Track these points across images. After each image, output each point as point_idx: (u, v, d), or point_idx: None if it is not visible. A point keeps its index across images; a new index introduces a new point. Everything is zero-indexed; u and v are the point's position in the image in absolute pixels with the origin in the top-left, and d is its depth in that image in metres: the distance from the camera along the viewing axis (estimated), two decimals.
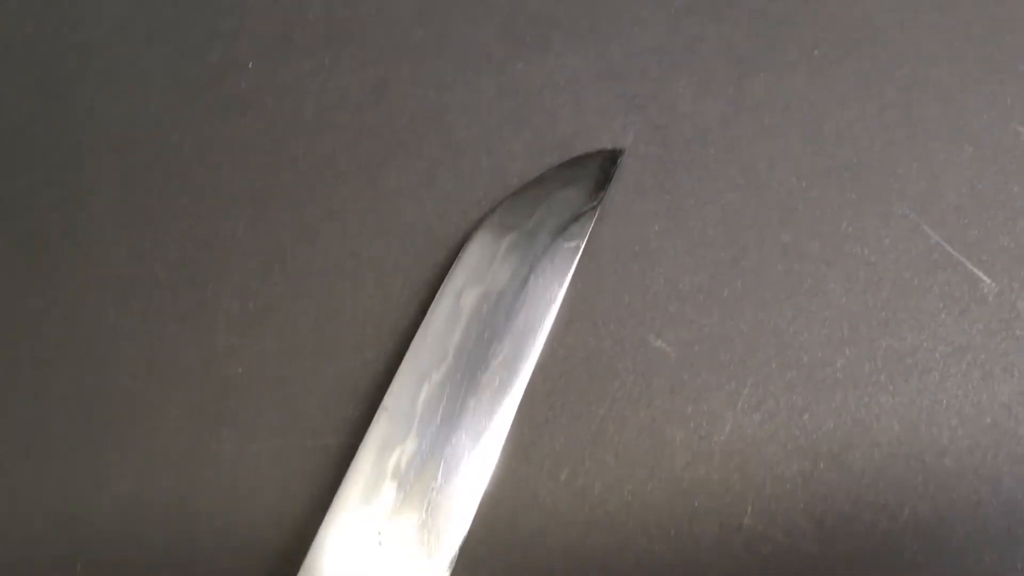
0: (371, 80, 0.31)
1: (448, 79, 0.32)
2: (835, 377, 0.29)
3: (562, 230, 0.27)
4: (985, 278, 0.30)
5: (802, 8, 0.32)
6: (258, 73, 0.31)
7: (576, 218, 0.28)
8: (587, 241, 0.29)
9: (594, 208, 0.28)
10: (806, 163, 0.31)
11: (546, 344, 0.28)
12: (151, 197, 0.30)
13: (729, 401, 0.28)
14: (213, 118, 0.31)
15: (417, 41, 0.31)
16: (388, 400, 0.25)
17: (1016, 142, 0.31)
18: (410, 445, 0.24)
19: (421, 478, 0.24)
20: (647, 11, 0.32)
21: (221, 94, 0.31)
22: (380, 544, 0.23)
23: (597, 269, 0.30)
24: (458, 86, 0.31)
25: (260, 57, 0.31)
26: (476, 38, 0.32)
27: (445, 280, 0.28)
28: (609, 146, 0.31)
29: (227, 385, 0.28)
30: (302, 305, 0.29)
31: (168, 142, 0.30)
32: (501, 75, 0.31)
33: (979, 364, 0.29)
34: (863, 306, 0.29)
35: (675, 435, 0.28)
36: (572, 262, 0.27)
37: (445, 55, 0.31)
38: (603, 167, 0.30)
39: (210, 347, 0.28)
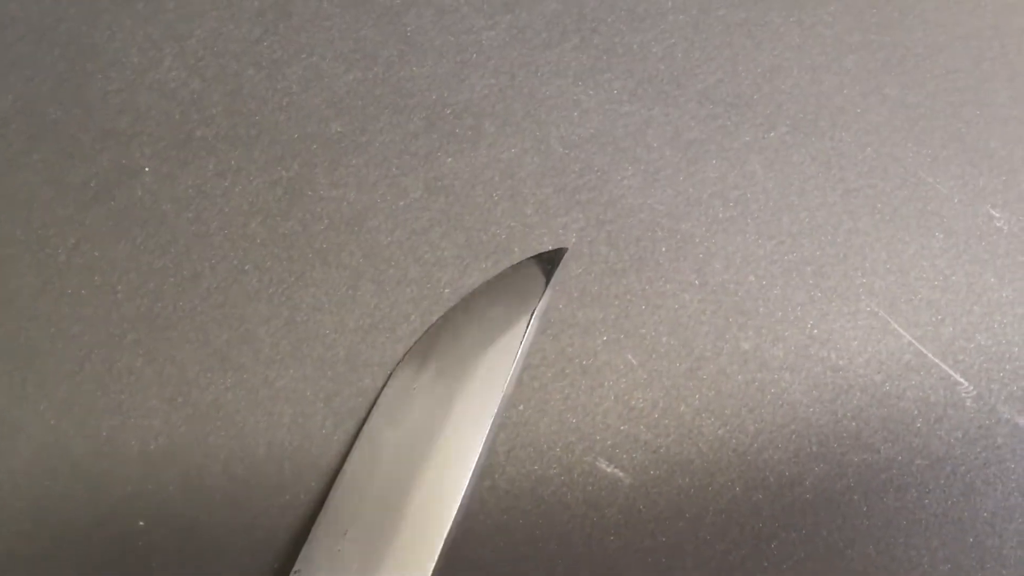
0: (283, 182, 0.32)
1: (369, 178, 0.33)
2: (804, 498, 0.31)
3: (492, 355, 0.29)
4: (962, 380, 0.32)
5: (755, 87, 0.35)
6: (155, 178, 0.32)
7: (510, 338, 0.29)
8: (528, 356, 0.30)
9: (528, 323, 0.29)
10: (765, 259, 0.33)
11: (486, 476, 0.30)
12: (33, 326, 0.31)
13: (691, 531, 0.30)
14: (105, 233, 0.32)
15: (333, 136, 0.33)
16: (301, 563, 0.26)
17: (990, 227, 0.33)
18: None
19: None
20: (586, 95, 0.34)
21: (113, 205, 0.32)
22: None
23: (540, 388, 0.31)
24: (380, 185, 0.33)
25: (157, 160, 0.33)
26: (399, 130, 0.33)
27: (365, 421, 0.29)
28: (550, 247, 0.32)
29: (126, 540, 0.29)
30: (210, 444, 0.30)
31: (53, 261, 0.31)
32: (428, 171, 0.33)
33: (959, 477, 0.31)
34: (832, 417, 0.31)
35: (633, 572, 0.29)
36: (500, 392, 0.28)
37: (365, 151, 0.33)
38: (543, 271, 0.31)
39: (106, 498, 0.29)
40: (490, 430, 0.29)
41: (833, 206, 0.34)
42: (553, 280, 0.32)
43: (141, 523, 0.30)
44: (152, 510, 0.30)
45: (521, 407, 0.32)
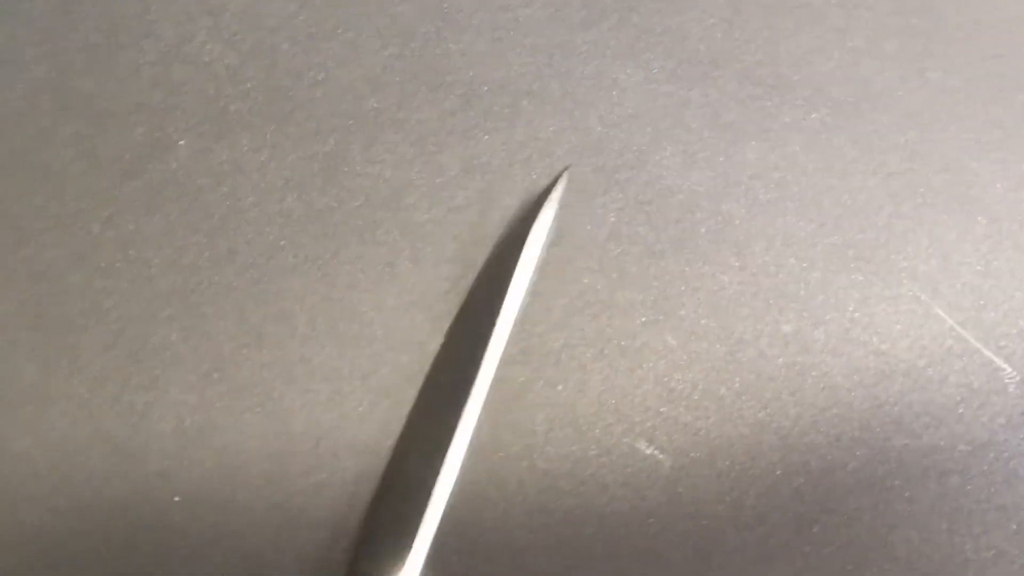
0: (319, 158, 0.32)
1: (406, 155, 0.33)
2: (846, 483, 0.30)
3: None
4: (1005, 366, 0.32)
5: (795, 69, 0.34)
6: (190, 153, 0.32)
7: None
8: (566, 337, 0.30)
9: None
10: (805, 242, 0.33)
11: (525, 455, 0.29)
12: (67, 301, 0.30)
13: (731, 514, 0.30)
14: (139, 206, 0.31)
15: (370, 112, 0.33)
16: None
17: None
18: None
19: None
20: (625, 74, 0.34)
21: (147, 178, 0.32)
22: None
23: (579, 368, 0.31)
24: (417, 162, 0.33)
25: (192, 134, 0.32)
26: (436, 107, 0.33)
27: None
28: (589, 227, 0.32)
29: (161, 516, 0.29)
30: (245, 421, 0.30)
31: (87, 236, 0.31)
32: (466, 149, 0.33)
33: (1002, 463, 0.31)
34: (874, 401, 0.31)
35: (672, 555, 0.29)
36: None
37: (402, 128, 0.33)
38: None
39: (141, 474, 0.29)
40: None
41: (874, 190, 0.34)
42: (581, 244, 0.32)
43: (176, 499, 0.30)
44: (187, 486, 0.30)
45: (560, 387, 0.31)
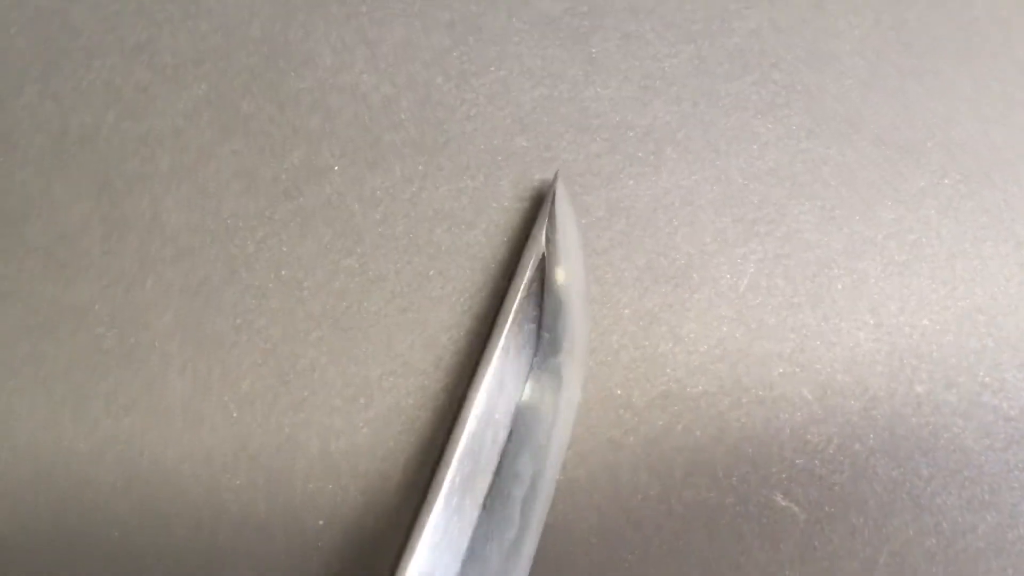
0: (468, 192, 0.33)
1: None
2: (976, 546, 0.31)
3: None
4: None
5: (928, 134, 0.36)
6: (344, 178, 0.33)
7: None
8: (704, 384, 0.31)
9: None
10: (938, 304, 0.34)
11: (663, 498, 0.30)
12: (219, 318, 0.31)
13: (864, 572, 0.30)
14: (293, 228, 0.32)
15: (519, 150, 0.34)
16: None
17: None
18: None
19: None
20: (765, 128, 0.35)
21: (302, 201, 0.33)
22: None
23: (717, 416, 0.32)
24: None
25: (346, 160, 0.33)
26: (583, 150, 0.34)
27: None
28: (728, 276, 0.33)
29: (304, 538, 0.29)
30: (390, 448, 0.31)
31: (242, 254, 0.32)
32: (611, 192, 0.34)
33: None
34: (1004, 466, 0.32)
35: None
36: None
37: (549, 167, 0.34)
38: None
39: (286, 496, 0.29)
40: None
41: (1006, 257, 0.35)
42: (721, 293, 0.33)
43: (321, 522, 0.30)
44: (331, 510, 0.30)
45: (698, 433, 0.32)
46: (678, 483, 0.32)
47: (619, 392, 0.33)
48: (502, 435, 0.28)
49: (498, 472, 0.28)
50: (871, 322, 0.34)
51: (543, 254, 0.30)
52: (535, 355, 0.29)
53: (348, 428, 0.31)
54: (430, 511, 0.27)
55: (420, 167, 0.34)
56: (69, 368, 0.31)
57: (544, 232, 0.31)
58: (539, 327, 0.30)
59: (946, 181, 0.36)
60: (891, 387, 0.33)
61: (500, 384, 0.29)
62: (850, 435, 0.33)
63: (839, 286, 0.34)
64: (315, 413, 0.31)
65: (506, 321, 0.29)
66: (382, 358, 0.32)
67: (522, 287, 0.30)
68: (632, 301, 0.34)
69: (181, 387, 0.31)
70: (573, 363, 0.30)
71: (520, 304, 0.30)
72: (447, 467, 0.28)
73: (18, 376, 0.31)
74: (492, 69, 0.35)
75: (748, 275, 0.34)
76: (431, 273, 0.33)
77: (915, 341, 0.34)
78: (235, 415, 0.31)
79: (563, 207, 0.32)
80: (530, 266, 0.30)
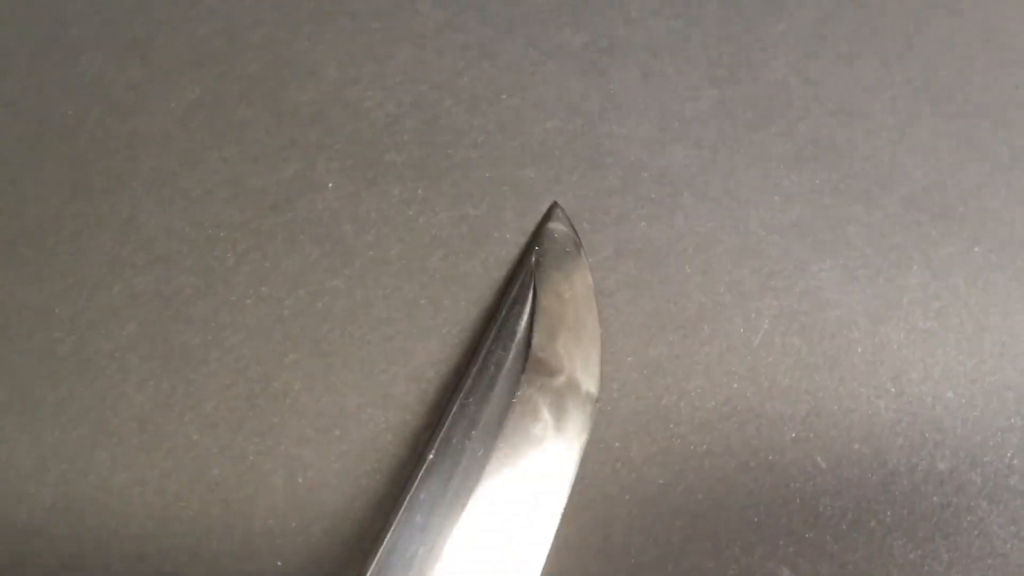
0: (468, 220, 0.31)
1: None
2: None
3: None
4: None
5: (960, 200, 0.34)
6: (338, 196, 0.31)
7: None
8: (709, 443, 0.29)
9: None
10: (964, 377, 0.32)
11: (659, 565, 0.27)
12: (189, 331, 0.29)
13: None
14: (278, 243, 0.30)
15: (525, 180, 0.32)
16: None
17: None
18: None
19: None
20: (788, 181, 0.33)
21: (291, 216, 0.31)
22: None
23: (722, 479, 0.29)
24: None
25: (342, 177, 0.32)
26: (594, 186, 0.32)
27: None
28: (741, 329, 0.31)
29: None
30: (362, 487, 0.28)
31: (220, 266, 0.30)
32: (620, 232, 0.32)
33: None
34: None
35: None
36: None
37: (557, 201, 0.32)
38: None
39: (242, 530, 0.27)
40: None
41: None
42: (732, 347, 0.31)
43: (278, 563, 0.28)
44: (291, 550, 0.28)
45: (700, 496, 0.30)
46: (676, 549, 0.29)
47: (617, 444, 0.30)
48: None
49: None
50: (892, 390, 0.32)
51: (531, 273, 0.28)
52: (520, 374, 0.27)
53: (318, 460, 0.29)
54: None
55: (420, 191, 0.32)
56: (17, 371, 0.29)
57: (534, 253, 0.29)
58: (528, 347, 0.28)
59: (976, 249, 0.34)
60: (911, 462, 0.31)
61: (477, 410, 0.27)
62: (866, 510, 0.30)
63: (859, 349, 0.32)
64: (283, 442, 0.29)
65: (488, 338, 0.27)
66: (362, 388, 0.30)
67: (505, 305, 0.28)
68: (637, 348, 0.31)
69: (139, 403, 0.29)
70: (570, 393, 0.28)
71: (507, 320, 0.28)
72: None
73: None
74: (504, 96, 0.34)
75: (762, 330, 0.32)
76: (422, 301, 0.31)
77: (938, 414, 0.32)
78: (195, 438, 0.28)
79: (560, 231, 0.30)
80: (517, 284, 0.28)
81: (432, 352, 0.30)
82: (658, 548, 0.29)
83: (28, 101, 0.32)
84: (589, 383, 0.29)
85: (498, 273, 0.32)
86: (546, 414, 0.27)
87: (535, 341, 0.28)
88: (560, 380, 0.28)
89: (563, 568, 0.29)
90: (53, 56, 0.33)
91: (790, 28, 0.36)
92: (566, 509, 0.28)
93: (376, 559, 0.25)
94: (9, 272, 0.30)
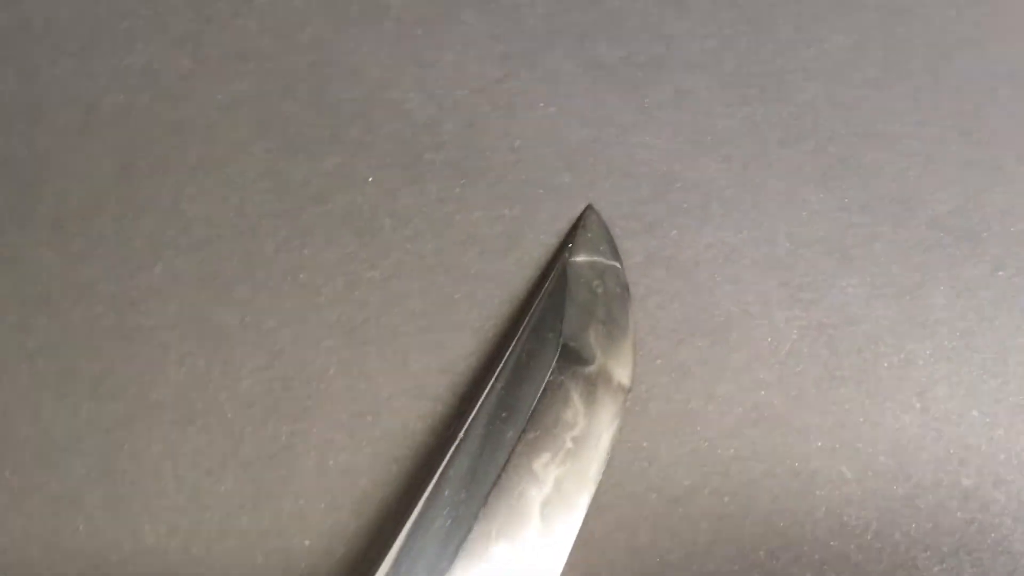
0: (503, 220, 0.32)
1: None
2: None
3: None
4: None
5: (984, 225, 0.35)
6: (377, 191, 0.32)
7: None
8: (736, 448, 0.30)
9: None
10: (989, 396, 0.32)
11: (684, 565, 0.28)
12: (227, 313, 0.30)
13: None
14: (317, 233, 0.31)
15: (560, 185, 0.33)
16: None
17: None
18: None
19: None
20: (816, 198, 0.34)
21: (331, 207, 0.32)
22: None
23: (747, 483, 0.30)
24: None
25: (382, 172, 0.32)
26: (627, 194, 0.33)
27: None
28: (768, 338, 0.32)
29: (288, 556, 0.27)
30: (391, 472, 0.28)
31: (260, 252, 0.31)
32: (651, 239, 0.33)
33: None
34: None
35: None
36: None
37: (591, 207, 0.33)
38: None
39: (272, 509, 0.27)
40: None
41: None
42: (760, 356, 0.32)
43: (307, 542, 0.28)
44: (319, 530, 0.28)
45: (727, 499, 0.30)
46: (701, 551, 0.29)
47: (645, 444, 0.31)
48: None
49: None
50: (918, 406, 0.32)
51: (565, 267, 0.29)
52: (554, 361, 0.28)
53: (350, 444, 0.29)
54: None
55: (457, 189, 0.33)
56: (59, 344, 0.29)
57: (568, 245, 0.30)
58: (560, 335, 0.28)
59: (1001, 273, 0.35)
60: (937, 476, 0.31)
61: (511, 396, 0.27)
62: (890, 522, 0.31)
63: (885, 364, 0.33)
64: (316, 424, 0.29)
65: (521, 331, 0.28)
66: (395, 377, 0.30)
67: (541, 296, 0.29)
68: (665, 352, 0.32)
69: (176, 379, 0.29)
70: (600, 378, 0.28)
71: (540, 311, 0.28)
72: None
73: (2, 345, 0.29)
74: (541, 105, 0.35)
75: (790, 341, 0.33)
76: (456, 296, 0.32)
77: (963, 431, 0.32)
78: (230, 416, 0.29)
79: (594, 231, 0.30)
80: (550, 279, 0.29)
81: (464, 346, 0.31)
82: (684, 548, 0.29)
83: (80, 87, 0.33)
84: (621, 374, 0.29)
85: (531, 272, 0.32)
86: (577, 400, 0.28)
87: (566, 331, 0.29)
88: (591, 369, 0.29)
89: (589, 562, 0.29)
90: (105, 45, 0.34)
91: (820, 54, 0.37)
92: (592, 506, 0.28)
93: (404, 532, 0.25)
94: (56, 249, 0.31)
